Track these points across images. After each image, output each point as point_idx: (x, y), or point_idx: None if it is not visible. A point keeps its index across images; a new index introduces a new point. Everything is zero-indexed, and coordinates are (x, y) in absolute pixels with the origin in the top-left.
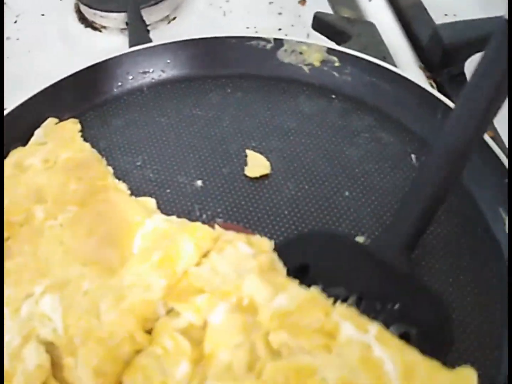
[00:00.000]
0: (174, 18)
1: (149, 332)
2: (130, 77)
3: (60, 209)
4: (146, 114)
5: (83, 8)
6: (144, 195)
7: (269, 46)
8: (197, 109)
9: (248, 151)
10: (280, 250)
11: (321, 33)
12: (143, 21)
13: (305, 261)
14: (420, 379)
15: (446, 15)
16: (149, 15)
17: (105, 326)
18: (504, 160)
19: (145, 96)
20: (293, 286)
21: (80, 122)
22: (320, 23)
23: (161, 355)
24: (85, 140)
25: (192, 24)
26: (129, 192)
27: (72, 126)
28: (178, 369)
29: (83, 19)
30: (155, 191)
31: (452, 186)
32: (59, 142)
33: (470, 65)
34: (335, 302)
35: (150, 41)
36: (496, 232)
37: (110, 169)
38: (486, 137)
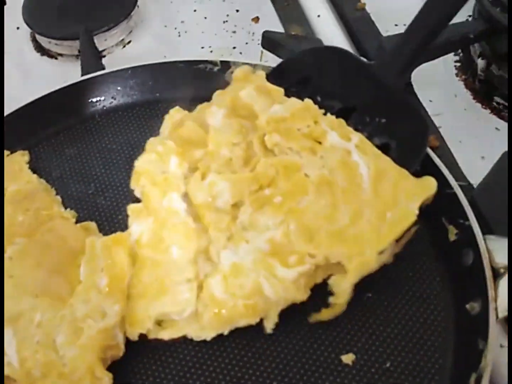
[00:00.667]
0: (129, 42)
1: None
2: (82, 106)
3: (9, 241)
4: (98, 141)
5: (38, 37)
6: (96, 221)
7: (216, 68)
8: (148, 133)
9: None
10: (286, 64)
11: (271, 52)
12: (96, 48)
13: (307, 73)
14: (388, 182)
15: (396, 25)
16: (103, 40)
17: (66, 361)
18: (445, 170)
19: (97, 123)
20: (289, 99)
21: (33, 153)
22: (269, 42)
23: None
24: (37, 170)
25: (148, 46)
26: (74, 220)
27: (20, 158)
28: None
29: (39, 48)
30: (107, 217)
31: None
32: (7, 175)
33: (417, 75)
34: (326, 113)
35: (103, 68)
36: (440, 242)
37: (58, 198)
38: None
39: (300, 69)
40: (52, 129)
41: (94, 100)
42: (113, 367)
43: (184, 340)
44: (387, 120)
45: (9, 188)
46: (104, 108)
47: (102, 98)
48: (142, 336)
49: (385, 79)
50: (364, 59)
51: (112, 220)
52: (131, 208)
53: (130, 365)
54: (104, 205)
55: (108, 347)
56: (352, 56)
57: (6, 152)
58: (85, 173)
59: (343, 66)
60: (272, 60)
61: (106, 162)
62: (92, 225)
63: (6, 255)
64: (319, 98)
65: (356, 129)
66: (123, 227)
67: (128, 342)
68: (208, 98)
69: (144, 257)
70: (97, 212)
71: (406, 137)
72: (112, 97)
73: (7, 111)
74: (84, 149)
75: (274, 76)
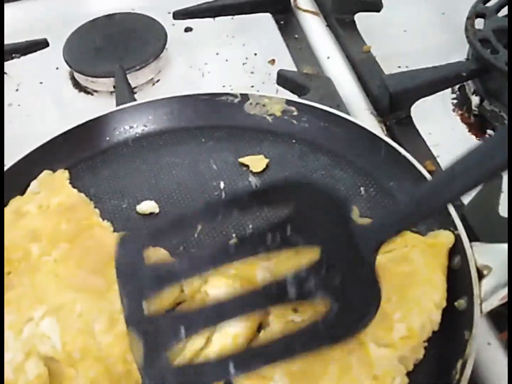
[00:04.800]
0: (158, 81)
1: None
2: (117, 132)
3: (53, 246)
4: (131, 163)
5: (77, 75)
6: (129, 231)
7: (236, 100)
8: (175, 157)
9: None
10: (272, 187)
11: (285, 88)
12: (129, 84)
13: (290, 202)
14: None
15: (399, 67)
16: (135, 78)
17: (102, 346)
18: None
19: (130, 148)
20: None
21: (72, 173)
22: (283, 79)
23: None
24: (77, 188)
25: (174, 85)
26: (112, 229)
27: (61, 175)
28: None
29: (76, 85)
30: (138, 228)
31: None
32: (50, 190)
33: (416, 109)
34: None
35: (135, 100)
36: None
37: (96, 210)
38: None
39: (286, 197)
40: (89, 153)
41: (127, 127)
42: None
43: None
44: (341, 281)
45: (53, 201)
46: (137, 134)
47: (135, 125)
48: None
49: (362, 245)
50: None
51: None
52: None
53: None
54: (136, 217)
55: None
56: (341, 205)
57: (48, 172)
58: (119, 190)
59: (329, 213)
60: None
61: (138, 181)
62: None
63: (51, 258)
64: (288, 228)
65: (308, 277)
66: None
67: None
68: (227, 126)
69: None
70: (129, 224)
71: (353, 304)
72: (144, 125)
73: (46, 139)
74: (118, 170)
75: (255, 196)
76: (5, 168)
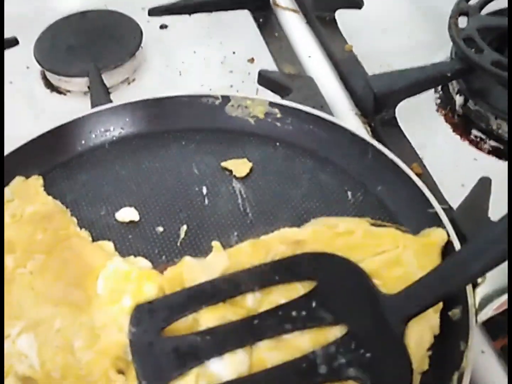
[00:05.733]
0: (134, 80)
1: (120, 372)
2: (93, 136)
3: (29, 257)
4: (108, 168)
5: (49, 75)
6: (108, 240)
7: (217, 102)
8: (155, 161)
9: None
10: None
11: (267, 88)
12: (104, 84)
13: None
14: None
15: (380, 66)
16: (110, 78)
17: (82, 364)
18: (427, 192)
19: (107, 152)
20: None
21: (47, 179)
22: (264, 79)
23: None
24: (52, 194)
25: (151, 84)
26: (90, 238)
27: (35, 182)
28: None
29: (49, 85)
30: (118, 237)
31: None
32: (24, 198)
33: (399, 110)
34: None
35: (111, 102)
36: None
37: (73, 219)
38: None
39: (308, 270)
40: (64, 157)
41: (103, 130)
42: None
43: None
44: (371, 356)
45: (27, 209)
46: (114, 137)
47: (112, 128)
48: None
49: (390, 317)
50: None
51: (123, 239)
52: None
53: None
54: (115, 225)
55: (120, 358)
56: (365, 278)
57: (21, 178)
58: (97, 196)
59: (352, 284)
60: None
61: (116, 187)
62: (109, 244)
63: (26, 270)
64: (313, 304)
65: (337, 353)
66: (133, 247)
67: None
68: (209, 129)
69: None
70: (109, 232)
71: (384, 380)
72: (121, 128)
73: (20, 143)
74: (95, 175)
75: (277, 269)
76: None
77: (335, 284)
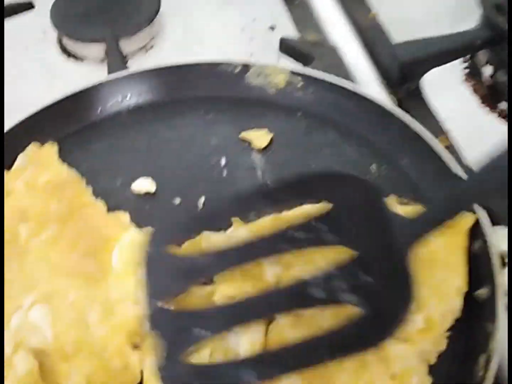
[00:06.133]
0: (151, 47)
1: (136, 347)
2: (109, 104)
3: (43, 227)
4: (125, 137)
5: (65, 40)
6: (123, 211)
7: (237, 70)
8: (172, 131)
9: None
10: (302, 179)
11: (289, 56)
12: (121, 51)
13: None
14: None
15: (406, 34)
16: (128, 45)
17: (96, 339)
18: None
19: (124, 120)
20: None
21: (62, 147)
22: (286, 47)
23: None
24: (67, 163)
25: (169, 52)
26: (105, 208)
27: (50, 149)
28: None
29: (65, 51)
30: (134, 208)
31: None
32: (38, 165)
33: (427, 80)
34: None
35: (128, 69)
36: None
37: (88, 188)
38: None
39: (318, 189)
40: (79, 125)
41: (120, 98)
42: None
43: None
44: (374, 283)
45: (41, 177)
46: (130, 106)
47: (128, 96)
48: None
49: (400, 239)
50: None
51: (139, 211)
52: None
53: None
54: (131, 196)
55: (136, 333)
56: (379, 198)
57: (36, 145)
58: (112, 166)
59: (367, 206)
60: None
61: (132, 156)
62: (125, 215)
63: (40, 239)
64: (323, 227)
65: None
66: (149, 219)
67: None
68: (228, 98)
69: None
70: (124, 203)
71: (383, 308)
72: (138, 96)
73: (34, 110)
74: (111, 144)
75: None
76: None
77: (349, 206)
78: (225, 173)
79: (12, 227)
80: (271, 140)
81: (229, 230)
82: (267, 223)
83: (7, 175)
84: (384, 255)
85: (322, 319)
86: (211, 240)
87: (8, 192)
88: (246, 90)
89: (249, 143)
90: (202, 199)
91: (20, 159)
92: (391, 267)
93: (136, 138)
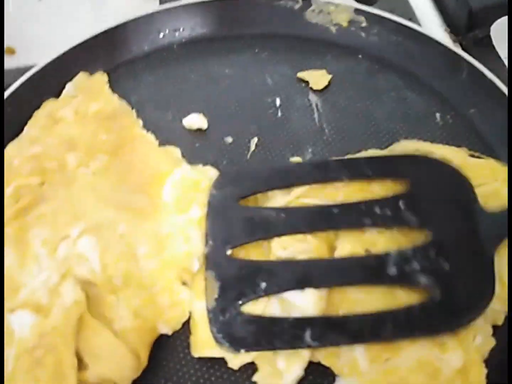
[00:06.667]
0: None
1: (185, 284)
2: (161, 35)
3: (92, 157)
4: (177, 71)
5: None
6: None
7: (297, 6)
8: (225, 67)
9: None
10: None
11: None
12: None
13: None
14: None
15: None
16: None
17: (146, 274)
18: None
19: (175, 53)
20: None
21: (112, 77)
22: None
23: None
24: (117, 93)
25: None
26: (156, 142)
27: (100, 78)
28: None
29: None
30: (185, 144)
31: None
32: (88, 94)
33: (496, 28)
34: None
35: (180, 0)
36: None
37: (139, 120)
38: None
39: (404, 168)
40: (130, 56)
41: (173, 30)
42: None
43: None
44: (451, 269)
45: (91, 107)
46: (183, 38)
47: (181, 28)
48: None
49: (485, 234)
50: None
51: (189, 147)
52: None
53: None
54: (182, 132)
55: (186, 270)
56: (467, 188)
57: (85, 74)
58: (163, 100)
59: (450, 192)
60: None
61: (184, 92)
62: (176, 150)
63: (88, 170)
64: (401, 205)
65: (413, 258)
66: (200, 156)
67: None
68: (285, 36)
69: None
70: (175, 138)
71: (459, 296)
72: (191, 29)
73: (82, 39)
74: (162, 77)
75: (370, 163)
76: (38, 67)
77: (430, 188)
78: (279, 113)
79: (60, 155)
80: (330, 81)
81: (299, 192)
82: (344, 192)
83: (56, 103)
84: (468, 246)
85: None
86: (278, 201)
87: (56, 120)
88: (305, 28)
89: (306, 84)
90: (255, 140)
91: (68, 87)
92: (473, 259)
93: (188, 72)
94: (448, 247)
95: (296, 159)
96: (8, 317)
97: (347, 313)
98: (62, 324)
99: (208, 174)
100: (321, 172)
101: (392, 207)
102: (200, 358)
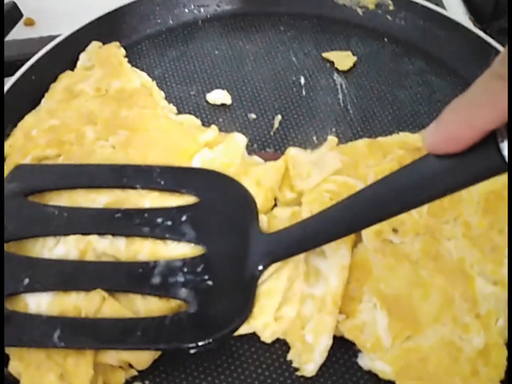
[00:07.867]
0: None
1: None
2: (186, 10)
3: (111, 132)
4: (201, 46)
5: None
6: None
7: None
8: (250, 44)
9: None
10: None
11: None
12: None
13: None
14: None
15: None
16: None
17: None
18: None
19: (200, 29)
20: None
21: (135, 50)
22: None
23: None
24: (140, 67)
25: None
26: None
27: (116, 50)
28: None
29: None
30: (208, 119)
31: None
32: (107, 69)
33: None
34: None
35: None
36: None
37: (161, 93)
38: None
39: (196, 183)
40: (154, 29)
41: (197, 5)
42: None
43: None
44: (213, 285)
45: (112, 84)
46: (208, 15)
47: (207, 4)
48: None
49: (254, 255)
50: None
51: (212, 122)
52: None
53: None
54: (206, 107)
55: None
56: (252, 207)
57: (98, 43)
58: (187, 74)
59: (232, 210)
60: None
61: (208, 67)
62: (196, 121)
63: (108, 143)
64: (183, 218)
65: (179, 270)
66: (223, 131)
67: None
68: (311, 16)
69: None
70: (198, 113)
71: (213, 312)
72: (217, 5)
73: (105, 11)
74: (186, 52)
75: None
76: (59, 39)
77: (215, 204)
78: (304, 92)
79: (79, 127)
80: (355, 63)
81: (322, 149)
82: (363, 147)
83: (71, 76)
84: (235, 265)
85: (410, 247)
86: (300, 161)
87: (74, 94)
88: (331, 8)
89: (332, 64)
90: (278, 117)
91: (82, 58)
92: (238, 279)
93: (212, 48)
94: (216, 264)
95: (334, 138)
96: (23, 295)
97: (98, 317)
98: (82, 302)
99: (236, 139)
100: (116, 177)
101: (175, 219)
102: None
